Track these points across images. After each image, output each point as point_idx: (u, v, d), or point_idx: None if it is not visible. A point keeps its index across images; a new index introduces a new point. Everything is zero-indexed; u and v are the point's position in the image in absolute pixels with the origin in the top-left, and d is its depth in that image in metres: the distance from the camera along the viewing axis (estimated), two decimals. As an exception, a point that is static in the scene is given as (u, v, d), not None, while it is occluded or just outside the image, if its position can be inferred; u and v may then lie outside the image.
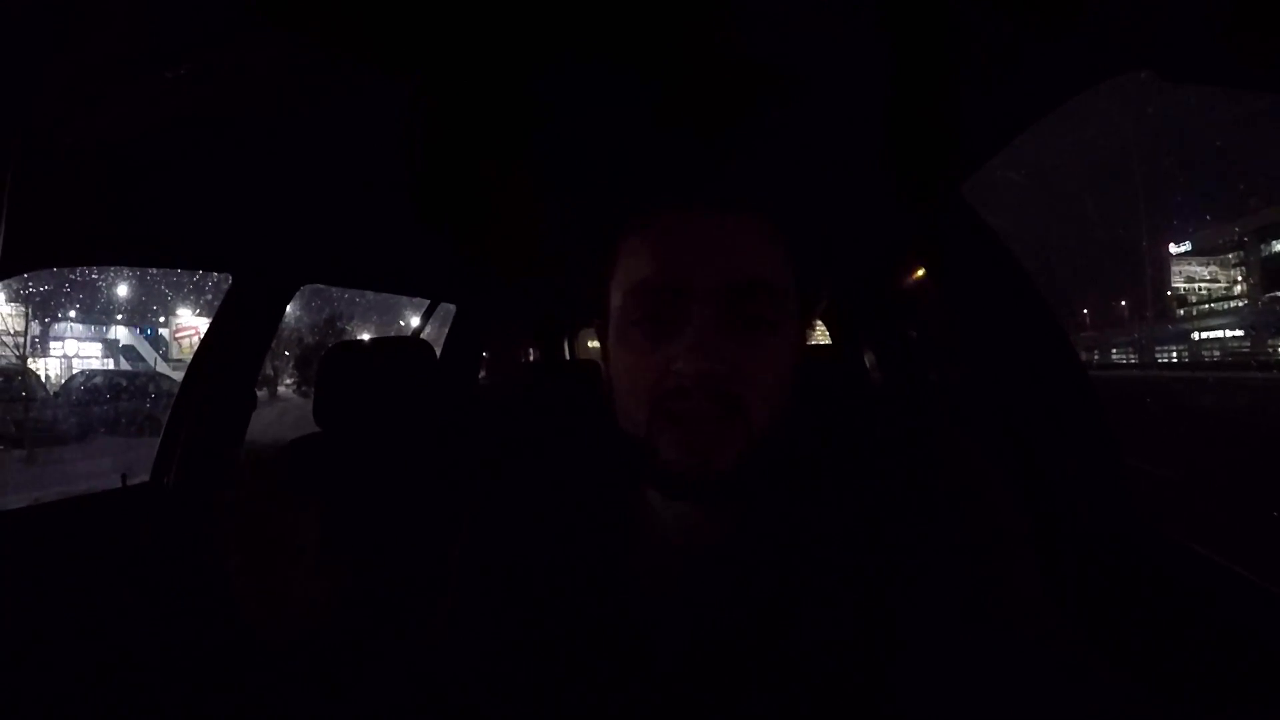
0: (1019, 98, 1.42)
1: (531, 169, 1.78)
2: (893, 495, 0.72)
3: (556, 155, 1.67)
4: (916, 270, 2.72)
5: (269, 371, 22.10)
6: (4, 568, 1.66)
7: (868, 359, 3.62)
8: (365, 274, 3.09)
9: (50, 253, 1.66)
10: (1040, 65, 1.28)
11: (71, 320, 29.53)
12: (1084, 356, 1.72)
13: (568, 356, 6.04)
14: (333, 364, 1.93)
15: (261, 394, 2.39)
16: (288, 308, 2.50)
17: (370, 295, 26.18)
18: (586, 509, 0.84)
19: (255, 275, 2.26)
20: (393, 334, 13.74)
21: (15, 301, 22.85)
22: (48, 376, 23.21)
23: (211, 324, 2.32)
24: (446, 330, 3.88)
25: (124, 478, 2.09)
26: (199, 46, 1.13)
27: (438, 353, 2.91)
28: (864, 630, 0.69)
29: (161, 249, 2.00)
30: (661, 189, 0.75)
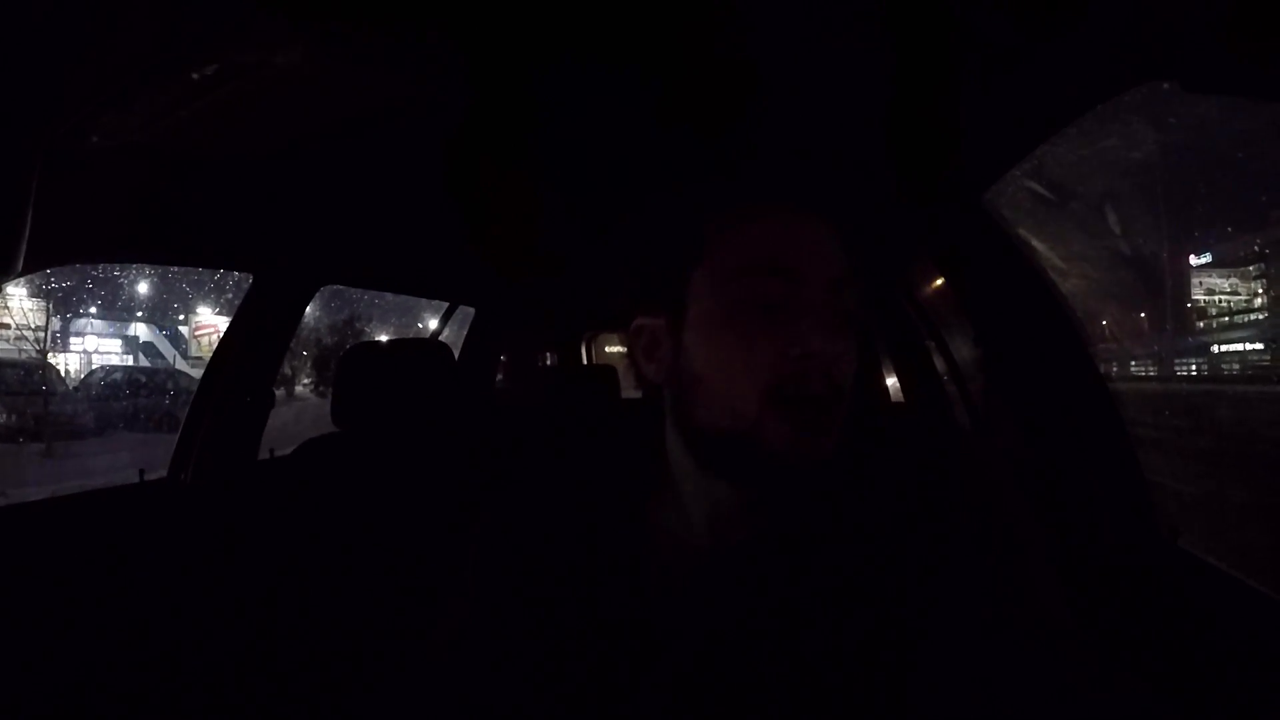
0: (1040, 107, 1.42)
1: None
2: (911, 502, 0.73)
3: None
4: (936, 278, 2.71)
5: (287, 371, 22.12)
6: (22, 558, 1.68)
7: (886, 367, 3.60)
8: (385, 276, 3.11)
9: (73, 249, 1.68)
10: (1061, 75, 1.27)
11: (92, 316, 29.66)
12: (1102, 368, 1.71)
13: (585, 361, 6.04)
14: (351, 364, 1.95)
15: (279, 393, 2.42)
16: (307, 308, 2.51)
17: (389, 297, 26.13)
18: (603, 511, 0.84)
19: (276, 275, 2.28)
20: (411, 336, 13.78)
21: (37, 297, 22.98)
22: (67, 371, 23.36)
23: (231, 323, 2.34)
24: (464, 333, 3.90)
25: (141, 473, 2.11)
26: (224, 47, 1.15)
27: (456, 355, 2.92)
28: (880, 635, 0.69)
29: (184, 247, 2.03)
30: (758, 186, 0.77)
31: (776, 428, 0.70)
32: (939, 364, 3.11)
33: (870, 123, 1.44)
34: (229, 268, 2.33)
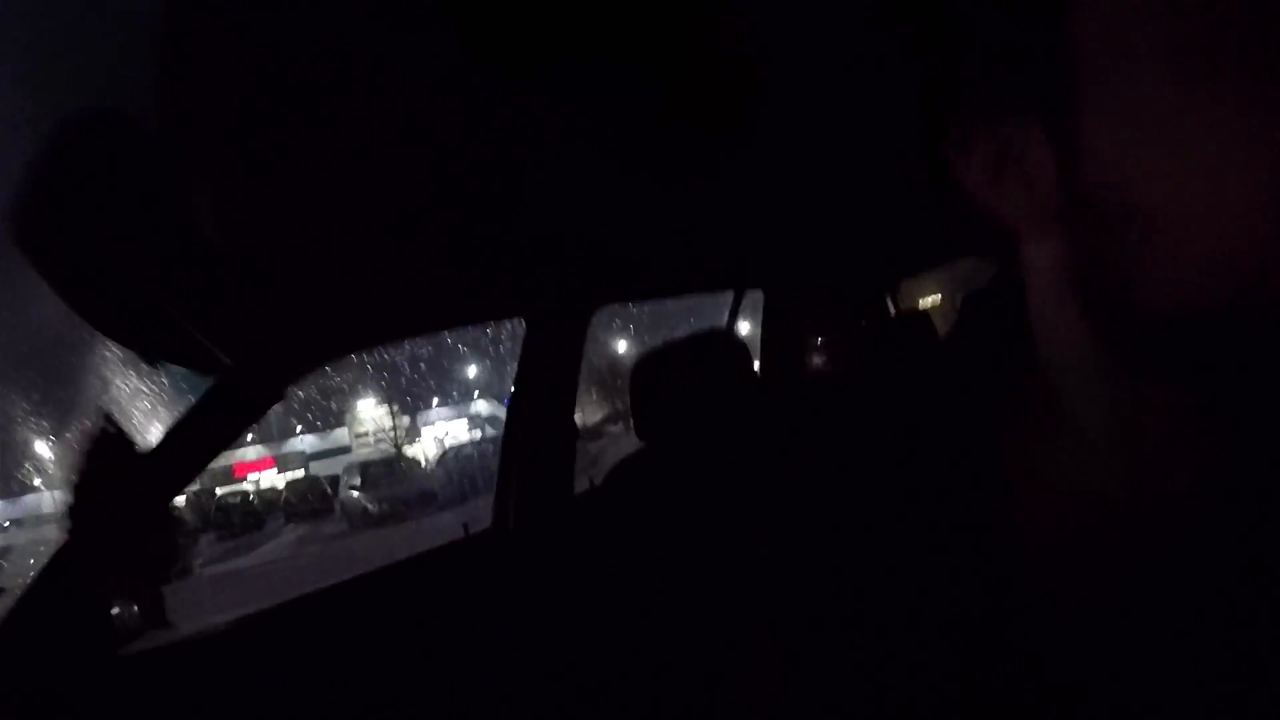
0: None
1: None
2: None
3: None
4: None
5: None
6: (350, 628, 1.79)
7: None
8: (659, 283, 2.99)
9: (347, 341, 1.80)
10: None
11: (436, 406, 33.71)
12: None
13: (892, 313, 5.51)
14: (644, 374, 1.91)
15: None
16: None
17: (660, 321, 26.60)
18: (955, 508, 0.52)
19: (547, 311, 2.28)
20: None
21: (382, 404, 26.46)
22: (425, 457, 26.37)
23: (519, 367, 2.35)
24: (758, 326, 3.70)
25: (466, 527, 2.19)
26: (460, 114, 1.20)
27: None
28: None
29: (452, 310, 2.08)
30: None
31: None
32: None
33: None
34: (499, 318, 2.40)
